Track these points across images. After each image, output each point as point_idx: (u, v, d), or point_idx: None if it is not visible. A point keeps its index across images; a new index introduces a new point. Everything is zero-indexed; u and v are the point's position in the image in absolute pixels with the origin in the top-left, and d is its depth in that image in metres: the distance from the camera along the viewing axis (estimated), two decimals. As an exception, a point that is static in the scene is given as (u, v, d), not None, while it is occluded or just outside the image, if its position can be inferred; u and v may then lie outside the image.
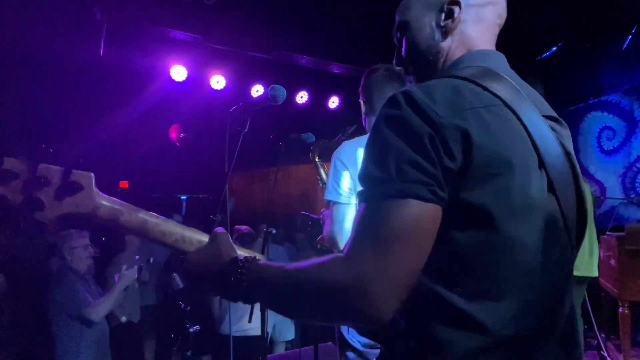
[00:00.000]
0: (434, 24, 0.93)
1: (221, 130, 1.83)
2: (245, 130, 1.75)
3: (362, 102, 1.95)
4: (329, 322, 0.93)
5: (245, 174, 7.18)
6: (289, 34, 4.69)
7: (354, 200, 1.79)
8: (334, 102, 6.01)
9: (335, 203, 1.82)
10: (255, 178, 7.19)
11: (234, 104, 1.79)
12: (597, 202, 4.88)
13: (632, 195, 4.97)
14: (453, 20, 0.91)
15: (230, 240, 0.91)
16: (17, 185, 0.81)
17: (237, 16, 4.37)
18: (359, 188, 0.77)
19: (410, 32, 0.97)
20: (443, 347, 0.75)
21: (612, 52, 4.91)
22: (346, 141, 1.92)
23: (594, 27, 4.64)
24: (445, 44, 0.93)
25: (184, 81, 4.93)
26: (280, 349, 4.36)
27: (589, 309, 3.48)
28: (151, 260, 3.78)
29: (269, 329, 3.91)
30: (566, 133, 0.90)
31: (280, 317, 3.99)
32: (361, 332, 0.91)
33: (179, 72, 4.87)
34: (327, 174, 2.44)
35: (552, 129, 0.85)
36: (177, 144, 6.28)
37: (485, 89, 0.79)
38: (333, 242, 1.82)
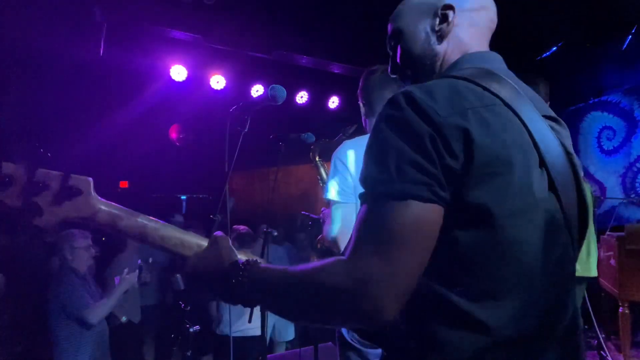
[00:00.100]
0: (428, 29, 0.95)
1: (221, 130, 1.83)
2: (245, 130, 1.75)
3: (361, 104, 1.95)
4: (331, 325, 0.93)
5: (245, 174, 7.18)
6: (289, 34, 4.69)
7: (353, 200, 1.79)
8: (334, 102, 6.01)
9: (335, 203, 1.82)
10: (255, 178, 7.19)
11: (234, 104, 1.79)
12: (597, 202, 4.88)
13: (632, 195, 4.97)
14: (448, 24, 0.93)
15: (230, 244, 0.91)
16: (16, 190, 0.80)
17: (237, 16, 4.37)
18: (360, 189, 0.77)
19: (405, 39, 0.98)
20: (444, 348, 0.75)
21: (612, 52, 4.91)
22: (347, 141, 1.92)
23: (594, 27, 4.64)
24: (442, 48, 0.94)
25: (184, 81, 4.93)
26: (280, 350, 4.36)
27: (589, 309, 3.48)
28: (150, 260, 3.78)
29: (269, 330, 3.91)
30: (566, 133, 0.90)
31: (280, 318, 3.99)
32: (361, 335, 0.91)
33: (179, 72, 4.87)
34: (327, 174, 2.43)
35: (552, 128, 0.85)
36: (177, 144, 6.28)
37: (485, 88, 0.79)
38: (333, 241, 1.82)
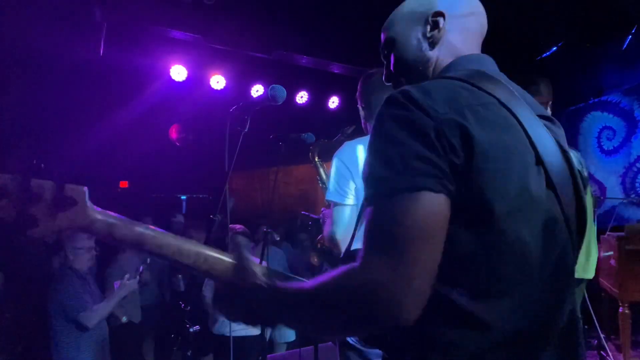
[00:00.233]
0: (420, 36, 0.96)
1: (221, 130, 1.83)
2: (245, 130, 1.75)
3: (360, 108, 1.94)
4: (356, 335, 0.92)
5: (245, 174, 7.18)
6: (289, 34, 4.69)
7: (354, 201, 1.79)
8: (334, 102, 6.01)
9: (336, 204, 1.82)
10: (255, 178, 7.19)
11: (234, 104, 1.79)
12: (597, 202, 4.88)
13: (632, 195, 4.97)
14: (439, 31, 0.94)
15: (252, 265, 0.89)
16: (9, 202, 0.79)
17: (237, 16, 4.37)
18: (364, 190, 0.76)
19: (397, 47, 0.99)
20: (444, 347, 0.75)
21: (612, 52, 4.91)
22: (348, 141, 1.92)
23: (594, 27, 4.64)
24: (434, 54, 0.95)
25: (184, 81, 4.93)
26: (280, 351, 4.36)
27: (590, 308, 3.48)
28: (148, 260, 3.78)
29: (269, 331, 3.90)
30: (560, 132, 0.90)
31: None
32: (361, 338, 0.91)
33: (179, 72, 4.87)
34: (326, 174, 2.43)
35: (547, 128, 0.85)
36: (177, 144, 6.28)
37: (480, 88, 0.79)
38: (333, 242, 1.82)
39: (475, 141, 0.71)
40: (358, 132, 2.15)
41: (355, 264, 0.71)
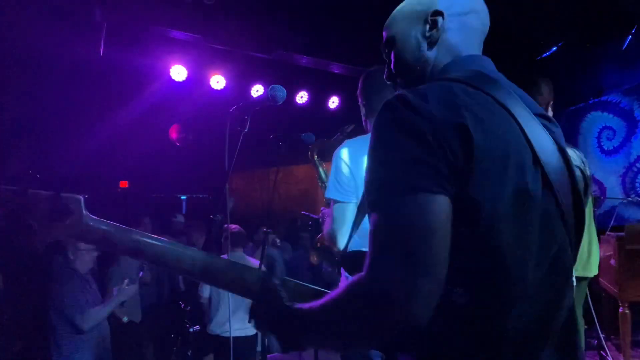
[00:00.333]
0: (419, 35, 0.95)
1: (221, 130, 1.83)
2: (245, 130, 1.75)
3: (361, 105, 1.95)
4: (375, 344, 0.93)
5: (245, 174, 7.19)
6: (289, 34, 4.69)
7: (354, 199, 1.79)
8: (334, 102, 6.01)
9: (335, 201, 1.82)
10: (255, 178, 7.20)
11: (234, 104, 1.79)
12: (597, 202, 4.88)
13: (632, 195, 4.96)
14: (437, 30, 0.93)
15: (277, 289, 0.91)
16: (7, 212, 0.80)
17: (237, 16, 4.37)
18: (367, 196, 0.76)
19: (397, 46, 0.99)
20: (442, 346, 0.75)
21: (612, 52, 4.91)
22: (348, 140, 1.92)
23: (594, 27, 4.63)
24: (432, 54, 0.95)
25: (184, 81, 4.93)
26: (277, 351, 4.36)
27: (592, 308, 3.47)
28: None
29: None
30: (558, 131, 0.90)
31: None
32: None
33: (179, 72, 4.87)
34: (325, 173, 2.44)
35: (545, 127, 0.85)
36: (177, 144, 6.28)
37: (477, 89, 0.79)
38: (333, 240, 1.82)
39: (473, 142, 0.71)
40: (357, 131, 2.15)
41: (363, 273, 0.71)
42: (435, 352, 0.76)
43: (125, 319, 3.60)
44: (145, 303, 4.05)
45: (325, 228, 1.92)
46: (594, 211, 3.83)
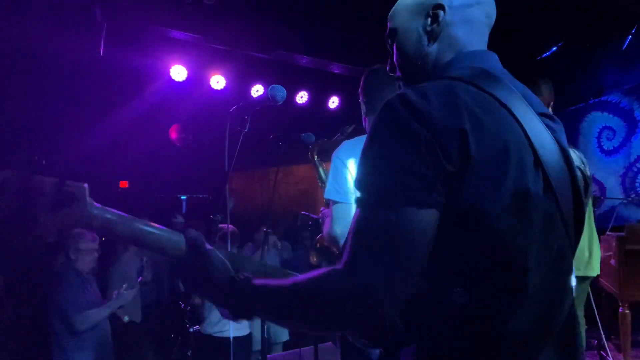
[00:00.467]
0: (421, 29, 0.94)
1: (221, 130, 1.83)
2: (245, 130, 1.75)
3: (361, 103, 1.95)
4: (331, 334, 0.95)
5: (245, 174, 7.18)
6: (289, 34, 4.69)
7: (352, 199, 1.79)
8: (334, 102, 6.01)
9: (335, 202, 1.82)
10: (255, 178, 7.19)
11: (234, 104, 1.79)
12: (597, 202, 4.88)
13: (632, 195, 4.96)
14: (439, 24, 0.91)
15: (220, 256, 0.90)
16: (11, 198, 0.80)
17: (237, 16, 4.37)
18: (356, 192, 0.77)
19: (399, 39, 0.97)
20: (442, 347, 0.75)
21: (612, 52, 4.91)
22: (346, 141, 1.92)
23: (594, 27, 4.64)
24: (433, 48, 0.93)
25: (184, 81, 4.93)
26: (277, 351, 4.36)
27: (594, 308, 3.47)
28: (144, 259, 3.79)
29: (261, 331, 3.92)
30: (560, 129, 0.90)
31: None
32: (361, 335, 0.91)
33: (179, 72, 4.87)
34: (325, 173, 2.44)
35: (547, 126, 0.85)
36: (177, 144, 6.28)
37: (479, 88, 0.78)
38: (333, 241, 1.82)
39: (472, 146, 0.71)
40: (358, 131, 2.15)
41: (338, 266, 0.72)
42: (436, 353, 0.76)
43: (126, 318, 3.60)
44: (145, 303, 4.05)
45: (325, 229, 1.92)
46: (594, 211, 3.83)
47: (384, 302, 0.68)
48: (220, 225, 3.41)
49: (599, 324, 3.65)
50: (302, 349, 3.40)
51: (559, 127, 0.89)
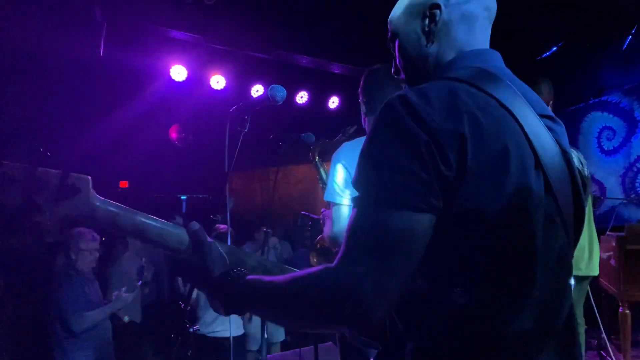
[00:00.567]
0: (419, 30, 0.93)
1: (221, 130, 1.83)
2: (245, 130, 1.75)
3: (361, 103, 1.95)
4: (320, 331, 0.95)
5: (245, 174, 7.18)
6: (289, 34, 4.69)
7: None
8: (334, 102, 6.01)
9: (335, 204, 1.82)
10: (255, 178, 7.19)
11: (234, 104, 1.79)
12: (597, 202, 4.88)
13: (632, 195, 4.96)
14: (436, 24, 0.91)
15: (220, 250, 0.92)
16: (16, 189, 0.82)
17: (237, 16, 4.37)
18: (354, 189, 0.77)
19: (400, 42, 0.97)
20: (442, 347, 0.75)
21: (612, 52, 4.91)
22: (346, 142, 1.92)
23: (594, 27, 4.64)
24: (433, 49, 0.92)
25: (184, 81, 4.93)
26: (275, 351, 4.36)
27: (594, 308, 3.47)
28: (143, 260, 3.79)
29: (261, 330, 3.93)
30: (561, 130, 0.89)
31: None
32: (360, 333, 0.92)
33: (179, 72, 4.87)
34: (326, 174, 2.44)
35: (548, 127, 0.84)
36: (177, 144, 6.28)
37: (480, 89, 0.78)
38: (334, 242, 1.82)
39: (472, 149, 0.71)
40: (359, 132, 2.15)
41: (332, 265, 0.73)
42: (435, 352, 0.76)
43: (126, 318, 3.60)
44: (145, 303, 4.05)
45: (326, 230, 1.92)
46: (594, 211, 3.83)
47: (367, 301, 0.69)
48: (217, 226, 3.42)
49: (599, 324, 3.64)
50: (302, 348, 3.40)
51: (560, 129, 0.89)
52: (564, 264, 0.82)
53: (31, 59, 3.95)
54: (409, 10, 0.95)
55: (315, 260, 2.53)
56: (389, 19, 1.01)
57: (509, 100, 0.79)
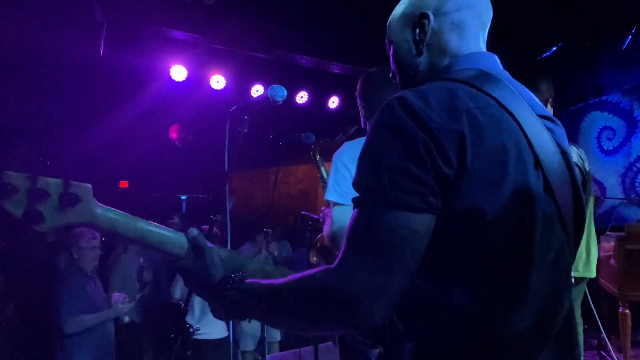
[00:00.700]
0: (410, 39, 0.94)
1: (221, 130, 1.83)
2: (245, 130, 1.75)
3: (360, 107, 1.94)
4: (320, 332, 0.95)
5: (245, 174, 7.18)
6: (289, 34, 4.69)
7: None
8: (334, 102, 6.01)
9: (335, 204, 1.82)
10: (255, 178, 7.19)
11: (234, 104, 1.79)
12: (597, 202, 4.88)
13: (632, 195, 4.96)
14: (426, 34, 0.91)
15: (220, 255, 0.92)
16: (17, 198, 0.82)
17: (237, 16, 4.37)
18: (354, 190, 0.78)
19: (394, 50, 0.98)
20: (441, 347, 0.75)
21: (612, 52, 4.91)
22: (348, 142, 1.92)
23: (594, 27, 4.64)
24: (423, 58, 0.93)
25: (184, 81, 4.93)
26: (274, 351, 4.36)
27: (593, 308, 3.47)
28: (141, 260, 3.80)
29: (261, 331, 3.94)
30: (560, 131, 0.90)
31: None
32: (361, 334, 0.92)
33: (179, 72, 4.86)
34: (327, 173, 2.44)
35: (547, 128, 0.85)
36: (177, 144, 6.28)
37: (479, 89, 0.78)
38: (334, 241, 1.82)
39: (471, 148, 0.71)
40: (360, 132, 2.15)
41: (332, 266, 0.73)
42: (435, 352, 0.76)
43: (126, 319, 3.59)
44: (145, 303, 4.05)
45: (325, 229, 1.92)
46: (594, 211, 3.83)
47: (367, 302, 0.69)
48: (204, 227, 3.43)
49: (599, 324, 3.64)
50: (302, 348, 3.40)
51: (559, 130, 0.89)
52: (563, 264, 0.82)
53: (31, 59, 3.96)
54: (402, 20, 0.96)
55: (315, 259, 2.53)
56: (387, 23, 1.02)
57: (508, 100, 0.79)
